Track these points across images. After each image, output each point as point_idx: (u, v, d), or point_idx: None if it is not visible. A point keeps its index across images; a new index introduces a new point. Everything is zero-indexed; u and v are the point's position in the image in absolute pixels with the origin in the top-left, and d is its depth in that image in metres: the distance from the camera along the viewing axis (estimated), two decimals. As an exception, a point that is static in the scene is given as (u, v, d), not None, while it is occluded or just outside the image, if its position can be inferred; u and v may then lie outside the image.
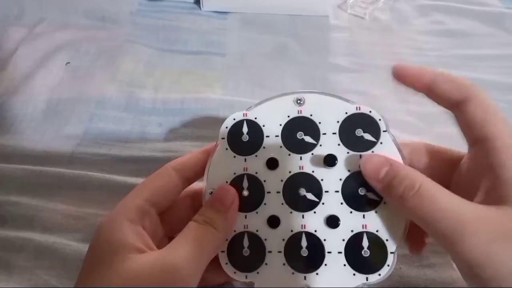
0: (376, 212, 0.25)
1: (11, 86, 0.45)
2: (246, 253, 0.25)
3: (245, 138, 0.27)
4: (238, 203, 0.25)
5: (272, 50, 0.53)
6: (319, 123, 0.26)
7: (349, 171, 0.25)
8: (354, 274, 0.24)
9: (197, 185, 0.29)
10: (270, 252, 0.25)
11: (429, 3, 0.62)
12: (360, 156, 0.25)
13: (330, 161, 0.25)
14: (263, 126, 0.27)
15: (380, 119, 0.26)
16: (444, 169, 0.26)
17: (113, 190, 0.36)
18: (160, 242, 0.25)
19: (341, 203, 0.25)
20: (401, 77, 0.26)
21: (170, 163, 0.27)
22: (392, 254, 0.24)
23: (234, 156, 0.27)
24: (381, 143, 0.26)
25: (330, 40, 0.55)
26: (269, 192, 0.26)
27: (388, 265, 0.24)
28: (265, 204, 0.26)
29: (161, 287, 0.20)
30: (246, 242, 0.25)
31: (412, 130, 0.43)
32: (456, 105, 0.24)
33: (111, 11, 0.57)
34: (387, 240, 0.24)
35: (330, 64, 0.52)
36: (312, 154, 0.26)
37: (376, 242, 0.24)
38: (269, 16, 0.58)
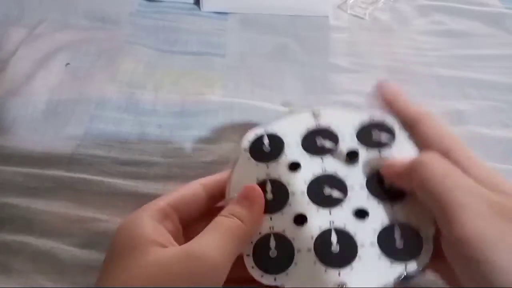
0: (404, 203, 0.25)
1: (11, 87, 0.45)
2: (274, 254, 0.24)
3: (266, 149, 0.28)
4: (264, 202, 0.25)
5: (272, 50, 0.53)
6: (337, 132, 0.28)
7: (371, 167, 0.26)
8: (391, 265, 0.23)
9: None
10: (299, 251, 0.24)
11: (429, 3, 0.62)
12: (379, 151, 0.27)
13: (352, 156, 0.26)
14: (283, 137, 0.28)
15: (395, 124, 0.28)
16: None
17: (112, 194, 0.36)
18: None
19: (368, 197, 0.25)
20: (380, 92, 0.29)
21: (199, 179, 0.28)
22: (427, 241, 0.23)
23: (257, 164, 0.28)
24: (396, 146, 0.27)
25: (330, 40, 0.55)
26: (293, 193, 0.26)
27: (425, 253, 0.23)
28: (290, 205, 0.26)
29: (188, 276, 0.20)
30: (272, 243, 0.24)
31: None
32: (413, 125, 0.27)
33: (111, 12, 0.57)
34: (419, 228, 0.24)
35: (330, 64, 0.52)
36: (333, 155, 0.27)
37: (409, 231, 0.24)
38: (269, 16, 0.58)
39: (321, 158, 0.27)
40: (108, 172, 0.38)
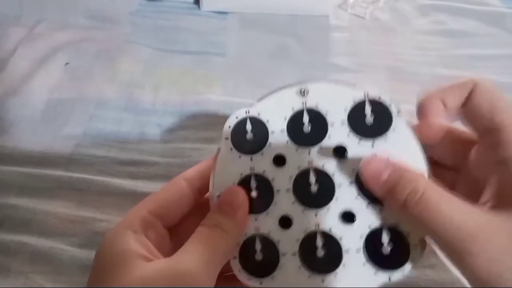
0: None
1: (10, 87, 0.45)
2: (259, 257, 0.24)
3: (249, 136, 0.25)
4: (248, 205, 0.24)
5: (272, 50, 0.53)
6: (326, 113, 0.25)
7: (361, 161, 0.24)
8: (375, 273, 0.22)
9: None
10: (284, 254, 0.23)
11: (430, 3, 0.62)
12: (373, 145, 0.24)
13: (340, 152, 0.24)
14: (267, 121, 0.25)
15: (390, 104, 0.25)
16: (457, 149, 0.25)
17: (111, 194, 0.36)
18: (167, 256, 0.24)
19: (356, 196, 0.23)
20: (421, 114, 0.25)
21: (182, 173, 0.26)
22: (416, 248, 0.22)
23: (240, 156, 0.25)
24: (393, 129, 0.24)
25: (330, 40, 0.55)
26: (278, 191, 0.24)
27: (412, 260, 0.22)
28: (275, 203, 0.24)
29: None
30: (258, 246, 0.24)
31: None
32: (463, 105, 0.23)
33: (111, 11, 0.57)
34: (409, 233, 0.22)
35: (330, 64, 0.52)
36: (321, 147, 0.24)
37: (397, 236, 0.23)
38: (269, 16, 0.58)
39: (308, 151, 0.24)
40: (107, 172, 0.38)
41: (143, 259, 0.21)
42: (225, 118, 0.41)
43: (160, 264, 0.21)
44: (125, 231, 0.23)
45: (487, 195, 0.22)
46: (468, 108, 0.23)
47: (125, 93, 0.46)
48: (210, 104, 0.45)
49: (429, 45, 0.55)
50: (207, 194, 0.26)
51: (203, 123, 0.43)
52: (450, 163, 0.25)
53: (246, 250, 0.24)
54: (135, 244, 0.22)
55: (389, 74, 0.51)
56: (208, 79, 0.48)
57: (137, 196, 0.36)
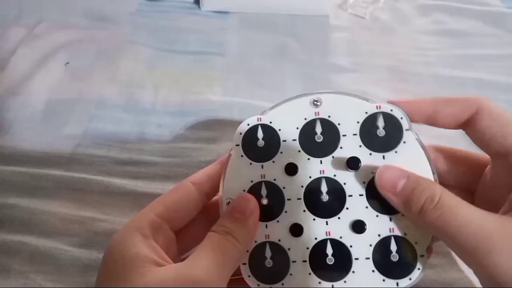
0: (403, 214, 0.24)
1: (10, 87, 0.45)
2: (269, 264, 0.24)
3: (260, 144, 0.26)
4: (259, 212, 0.24)
5: (272, 50, 0.53)
6: (338, 124, 0.25)
7: (372, 173, 0.24)
8: (383, 280, 0.23)
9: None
10: (294, 262, 0.24)
11: (430, 2, 0.62)
12: (383, 157, 0.24)
13: (353, 164, 0.24)
14: (279, 130, 0.26)
15: (402, 118, 0.25)
16: (468, 176, 0.26)
17: (112, 194, 0.36)
18: (173, 261, 0.24)
19: (366, 207, 0.24)
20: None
21: (189, 177, 0.26)
22: (423, 257, 0.23)
23: (250, 163, 0.25)
24: (404, 142, 0.25)
25: (330, 40, 0.55)
26: (289, 199, 0.25)
27: (419, 269, 0.23)
28: (286, 212, 0.25)
29: None
30: (268, 253, 0.24)
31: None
32: (466, 123, 0.24)
33: (111, 11, 0.57)
34: (416, 242, 0.23)
35: (330, 64, 0.51)
36: (333, 157, 0.25)
37: (405, 246, 0.23)
38: (269, 16, 0.58)
39: (320, 160, 0.25)
40: (107, 172, 0.38)
41: (154, 264, 0.21)
42: (225, 117, 0.42)
43: (172, 270, 0.21)
44: (134, 234, 0.22)
45: (504, 209, 0.22)
46: (476, 129, 0.23)
47: (125, 93, 0.46)
48: (210, 104, 0.45)
49: (429, 45, 0.55)
50: (215, 198, 0.26)
51: (203, 123, 0.43)
52: (463, 185, 0.25)
53: (256, 256, 0.24)
54: (146, 248, 0.22)
55: (389, 74, 0.51)
56: (208, 79, 0.48)
57: (137, 196, 0.36)
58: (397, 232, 0.24)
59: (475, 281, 0.28)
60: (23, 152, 0.39)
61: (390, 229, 0.24)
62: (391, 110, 0.25)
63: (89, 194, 0.36)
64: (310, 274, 0.24)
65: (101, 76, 0.47)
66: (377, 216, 0.24)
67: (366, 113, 0.25)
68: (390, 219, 0.24)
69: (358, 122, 0.25)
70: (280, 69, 0.50)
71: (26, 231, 0.34)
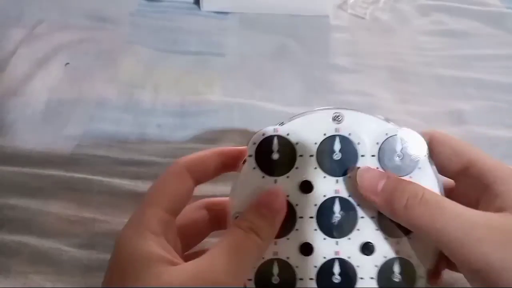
0: (410, 238, 0.24)
1: (10, 87, 0.45)
2: (276, 281, 0.24)
3: (275, 157, 0.24)
4: (286, 210, 0.23)
5: (272, 50, 0.53)
6: (358, 143, 0.25)
7: None
8: None
9: (213, 197, 0.28)
10: (301, 279, 0.24)
11: (430, 3, 0.62)
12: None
13: None
14: (296, 144, 0.24)
15: (420, 144, 0.25)
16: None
17: (112, 195, 0.36)
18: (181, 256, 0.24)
19: (376, 229, 0.24)
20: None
21: (182, 161, 0.26)
22: (422, 279, 0.24)
23: (263, 177, 0.24)
24: (419, 168, 0.24)
25: (330, 40, 0.55)
26: (301, 217, 0.24)
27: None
28: (297, 230, 0.24)
29: None
30: (276, 270, 0.24)
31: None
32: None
33: (111, 11, 0.57)
34: (417, 265, 0.24)
35: (330, 64, 0.52)
36: (350, 177, 0.24)
37: (407, 267, 0.24)
38: (269, 16, 0.58)
39: (336, 180, 0.24)
40: (107, 172, 0.38)
41: (168, 263, 0.20)
42: (225, 118, 0.41)
43: (189, 270, 0.20)
44: (145, 233, 0.21)
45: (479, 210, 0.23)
46: (433, 158, 0.25)
47: (125, 93, 0.46)
48: (210, 104, 0.45)
49: (429, 45, 0.55)
50: (218, 199, 0.26)
51: (203, 123, 0.43)
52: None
53: (263, 273, 0.24)
54: (157, 247, 0.21)
55: (389, 74, 0.51)
56: (208, 80, 0.48)
57: (137, 196, 0.36)
58: (403, 255, 0.24)
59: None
60: (23, 153, 0.39)
61: (396, 251, 0.24)
62: (410, 135, 0.25)
63: (89, 195, 0.36)
64: None
65: (101, 77, 0.47)
66: (386, 239, 0.24)
67: (386, 134, 0.25)
68: (398, 242, 0.24)
69: (377, 143, 0.25)
70: (280, 70, 0.50)
71: (26, 232, 0.34)
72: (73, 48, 0.50)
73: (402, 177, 0.24)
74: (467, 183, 0.24)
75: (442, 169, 0.25)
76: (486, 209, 0.22)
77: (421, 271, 0.24)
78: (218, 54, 0.52)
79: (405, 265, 0.24)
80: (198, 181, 0.26)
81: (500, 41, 0.56)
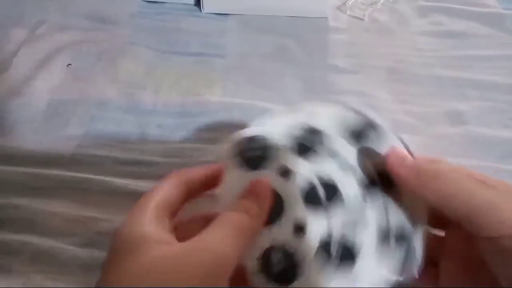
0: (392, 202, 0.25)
1: (12, 88, 0.45)
2: (277, 267, 0.24)
3: (256, 153, 0.26)
4: (271, 196, 0.25)
5: (271, 51, 0.53)
6: (330, 135, 0.26)
7: (367, 171, 0.26)
8: (386, 273, 0.24)
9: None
10: (303, 259, 0.24)
11: (428, 4, 0.62)
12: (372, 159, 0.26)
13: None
14: (275, 138, 0.27)
15: (378, 119, 0.27)
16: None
17: (113, 194, 0.36)
18: None
19: (361, 207, 0.25)
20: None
21: (179, 173, 0.27)
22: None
23: (247, 171, 0.26)
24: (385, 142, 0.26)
25: (329, 41, 0.55)
26: (288, 203, 0.25)
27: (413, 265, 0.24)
28: (286, 219, 0.25)
29: (198, 267, 0.19)
30: (276, 257, 0.25)
31: (411, 130, 0.43)
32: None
33: (112, 13, 0.57)
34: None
35: (330, 65, 0.52)
36: (324, 158, 0.26)
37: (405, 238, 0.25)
38: (269, 17, 0.58)
39: (313, 162, 0.26)
40: (108, 172, 0.38)
41: (165, 242, 0.21)
42: (225, 118, 0.42)
43: (182, 245, 0.21)
44: (141, 218, 0.22)
45: None
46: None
47: (126, 94, 0.46)
48: (210, 104, 0.45)
49: (427, 46, 0.55)
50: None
51: (204, 123, 0.43)
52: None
53: (263, 261, 0.24)
54: (154, 230, 0.22)
55: (388, 75, 0.51)
56: (208, 80, 0.49)
57: (138, 196, 0.36)
58: (393, 222, 0.25)
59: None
60: (25, 153, 0.39)
61: (387, 218, 0.25)
62: (371, 117, 0.27)
63: (90, 194, 0.36)
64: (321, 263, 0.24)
65: (102, 77, 0.48)
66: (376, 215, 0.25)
67: (354, 122, 0.27)
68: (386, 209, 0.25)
69: (346, 133, 0.27)
70: (279, 71, 0.51)
71: (28, 231, 0.34)
72: (75, 49, 0.51)
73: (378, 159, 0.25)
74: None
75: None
76: None
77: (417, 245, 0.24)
78: (218, 55, 0.52)
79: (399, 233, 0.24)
80: (190, 194, 0.26)
81: (499, 42, 0.56)
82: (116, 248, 0.21)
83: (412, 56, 0.54)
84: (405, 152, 0.25)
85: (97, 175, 0.38)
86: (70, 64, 0.49)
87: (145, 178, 0.38)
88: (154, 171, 0.38)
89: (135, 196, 0.36)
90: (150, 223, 0.22)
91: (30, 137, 0.41)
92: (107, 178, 0.37)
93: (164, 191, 0.25)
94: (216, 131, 0.42)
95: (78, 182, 0.37)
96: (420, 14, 0.61)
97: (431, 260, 0.25)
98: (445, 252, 0.25)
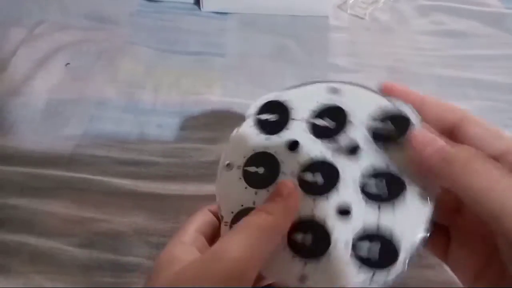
0: (393, 205, 0.23)
1: (11, 87, 0.45)
2: None
3: (272, 118, 0.27)
4: (297, 195, 0.24)
5: (272, 50, 0.53)
6: (349, 112, 0.26)
7: (371, 163, 0.24)
8: (359, 267, 0.23)
9: None
10: None
11: (429, 3, 0.62)
12: (387, 147, 0.24)
13: (352, 149, 0.25)
14: (292, 109, 0.27)
15: (412, 116, 0.25)
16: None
17: (112, 194, 0.36)
18: None
19: (357, 193, 0.24)
20: (389, 92, 0.26)
21: (208, 206, 0.27)
22: (405, 252, 0.22)
23: (257, 134, 0.27)
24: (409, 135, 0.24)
25: (330, 40, 0.55)
26: (284, 173, 0.25)
27: (400, 264, 0.22)
28: (276, 184, 0.25)
29: (210, 276, 0.19)
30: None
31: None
32: (451, 131, 0.24)
33: (111, 12, 0.57)
34: (402, 236, 0.23)
35: (330, 64, 0.52)
36: (336, 142, 0.25)
37: (390, 237, 0.23)
38: (269, 16, 0.58)
39: (322, 142, 0.26)
40: (107, 172, 0.38)
41: (189, 258, 0.21)
42: (225, 118, 0.42)
43: (204, 254, 0.21)
44: (175, 242, 0.23)
45: None
46: (463, 135, 0.23)
47: (126, 93, 0.46)
48: (210, 104, 0.45)
49: (428, 45, 0.55)
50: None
51: (203, 123, 0.43)
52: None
53: (237, 217, 0.25)
54: (184, 253, 0.22)
55: (389, 74, 0.51)
56: (208, 80, 0.48)
57: (137, 196, 0.36)
58: (384, 222, 0.23)
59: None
60: (23, 152, 0.39)
61: (377, 218, 0.23)
62: (403, 107, 0.25)
63: (89, 194, 0.36)
64: (284, 247, 0.24)
65: (101, 77, 0.47)
66: (366, 203, 0.24)
67: (379, 107, 0.26)
68: (379, 208, 0.24)
69: (369, 114, 0.26)
70: (279, 70, 0.50)
71: (26, 231, 0.34)
72: (74, 48, 0.51)
73: (391, 146, 0.24)
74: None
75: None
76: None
77: (405, 243, 0.23)
78: (218, 54, 0.52)
79: (387, 233, 0.23)
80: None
81: (499, 41, 0.56)
82: (151, 272, 0.22)
83: (412, 55, 0.53)
84: (432, 135, 0.23)
85: (96, 175, 0.38)
86: (68, 63, 0.49)
87: (144, 178, 0.38)
88: (153, 171, 0.38)
89: (134, 196, 0.36)
90: (181, 243, 0.23)
91: (29, 137, 0.41)
92: (106, 178, 0.37)
93: (197, 217, 0.26)
94: (216, 131, 0.42)
95: (77, 182, 0.37)
96: (421, 13, 0.61)
97: (444, 228, 0.24)
98: (459, 227, 0.24)
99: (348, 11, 0.60)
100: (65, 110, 0.44)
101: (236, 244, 0.20)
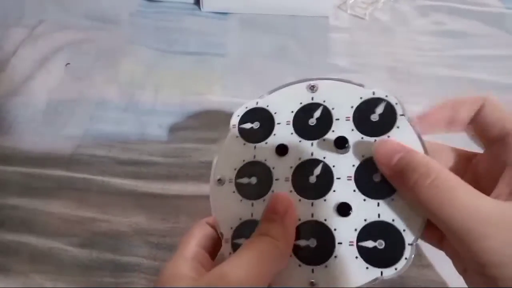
0: (392, 199, 0.23)
1: (11, 87, 0.45)
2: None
3: (256, 126, 0.27)
4: (294, 210, 0.24)
5: (272, 50, 0.53)
6: (332, 109, 0.26)
7: (363, 156, 0.24)
8: (367, 268, 0.22)
9: None
10: None
11: (429, 3, 0.62)
12: (375, 141, 0.24)
13: (340, 143, 0.24)
14: (275, 113, 0.27)
15: (396, 103, 0.25)
16: (461, 165, 0.26)
17: (112, 194, 0.36)
18: None
19: (354, 190, 0.24)
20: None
21: (205, 219, 0.27)
22: (410, 246, 0.22)
23: (244, 144, 0.26)
24: (397, 127, 0.24)
25: (330, 40, 0.55)
26: (277, 179, 0.25)
27: (406, 258, 0.22)
28: (272, 191, 0.25)
29: None
30: (252, 231, 0.24)
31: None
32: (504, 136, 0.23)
33: (111, 12, 0.57)
34: (404, 230, 0.22)
35: (330, 64, 0.52)
36: (324, 140, 0.25)
37: (392, 233, 0.22)
38: (269, 16, 0.58)
39: (311, 143, 0.25)
40: (108, 172, 0.38)
41: (191, 280, 0.21)
42: (225, 118, 0.42)
43: (206, 275, 0.21)
44: (177, 258, 0.23)
45: (498, 191, 0.22)
46: (479, 120, 0.24)
47: (126, 93, 0.46)
48: (210, 104, 0.45)
49: (428, 45, 0.55)
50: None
51: (204, 123, 0.43)
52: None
53: (238, 234, 0.24)
54: (186, 269, 0.22)
55: (389, 74, 0.51)
56: (208, 80, 0.48)
57: (137, 196, 0.36)
58: (385, 218, 0.23)
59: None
60: (23, 153, 0.39)
61: (377, 214, 0.23)
62: (386, 96, 0.25)
63: (89, 194, 0.36)
64: (291, 256, 0.23)
65: (101, 77, 0.48)
66: (364, 200, 0.23)
67: (361, 98, 0.25)
68: (378, 204, 0.23)
69: (352, 107, 0.25)
70: (280, 70, 0.50)
71: (26, 231, 0.34)
72: (74, 48, 0.51)
73: (379, 137, 0.24)
74: (498, 152, 0.23)
75: (481, 131, 0.24)
76: (503, 188, 0.21)
77: (409, 237, 0.22)
78: (218, 55, 0.52)
79: (389, 230, 0.22)
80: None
81: (500, 41, 0.56)
82: (153, 284, 0.22)
83: (412, 56, 0.53)
84: (393, 146, 0.23)
85: (96, 175, 0.38)
86: (68, 63, 0.49)
87: (144, 178, 0.38)
88: (153, 171, 0.38)
89: (135, 196, 0.36)
90: (184, 259, 0.23)
91: (29, 137, 0.41)
92: (107, 178, 0.37)
93: (196, 232, 0.25)
94: (216, 131, 0.42)
95: (77, 182, 0.37)
96: (421, 13, 0.60)
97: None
98: (476, 167, 0.24)
99: (348, 11, 0.60)
100: (65, 110, 0.44)
101: (243, 268, 0.20)
